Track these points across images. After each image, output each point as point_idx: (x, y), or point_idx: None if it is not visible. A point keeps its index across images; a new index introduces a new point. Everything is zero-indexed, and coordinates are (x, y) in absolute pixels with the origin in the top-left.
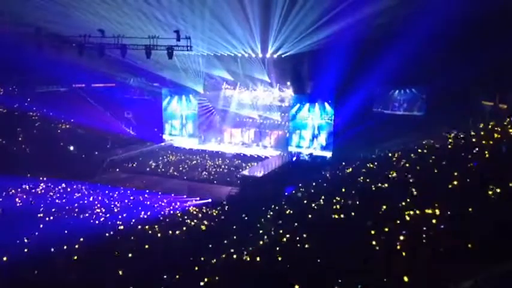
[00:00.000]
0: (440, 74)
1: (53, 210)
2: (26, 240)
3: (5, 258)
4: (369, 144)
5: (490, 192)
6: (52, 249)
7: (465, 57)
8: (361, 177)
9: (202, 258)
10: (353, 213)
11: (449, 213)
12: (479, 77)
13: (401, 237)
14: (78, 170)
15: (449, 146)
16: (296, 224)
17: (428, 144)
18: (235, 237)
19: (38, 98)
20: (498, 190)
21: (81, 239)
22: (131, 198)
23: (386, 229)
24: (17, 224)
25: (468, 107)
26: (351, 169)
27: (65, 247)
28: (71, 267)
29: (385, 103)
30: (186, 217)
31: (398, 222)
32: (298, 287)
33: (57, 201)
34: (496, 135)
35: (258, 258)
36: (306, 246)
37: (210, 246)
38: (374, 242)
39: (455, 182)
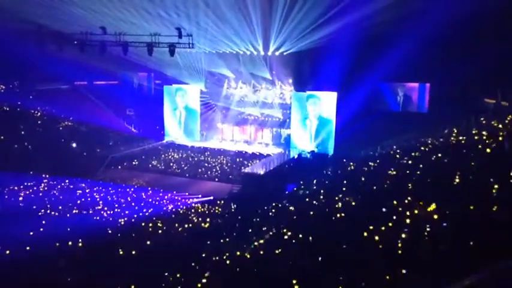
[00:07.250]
0: (442, 71)
1: (55, 207)
2: (29, 235)
3: (7, 252)
4: (370, 141)
5: (493, 190)
6: (54, 246)
7: (467, 54)
8: (363, 175)
9: (203, 256)
10: (354, 211)
11: (451, 211)
12: (481, 75)
13: (403, 235)
14: (80, 168)
15: (451, 144)
16: (297, 221)
17: (430, 142)
18: (236, 234)
19: (40, 96)
20: (500, 188)
21: (83, 236)
22: (133, 195)
23: (388, 227)
24: (19, 221)
25: (470, 104)
26: (352, 167)
27: (67, 244)
28: (72, 264)
29: (387, 100)
30: (187, 214)
31: (399, 220)
32: (298, 284)
33: (59, 198)
34: (498, 132)
35: (259, 256)
36: (307, 244)
37: (212, 243)
38: (375, 240)
39: (457, 180)
